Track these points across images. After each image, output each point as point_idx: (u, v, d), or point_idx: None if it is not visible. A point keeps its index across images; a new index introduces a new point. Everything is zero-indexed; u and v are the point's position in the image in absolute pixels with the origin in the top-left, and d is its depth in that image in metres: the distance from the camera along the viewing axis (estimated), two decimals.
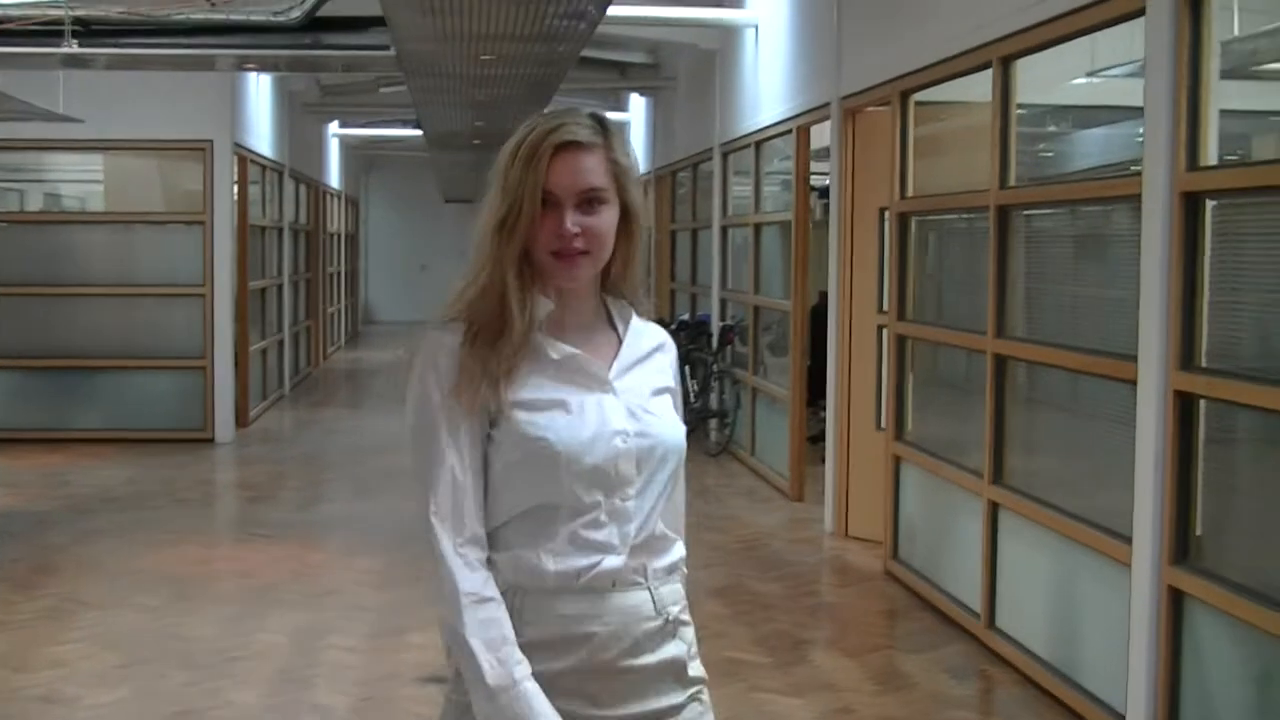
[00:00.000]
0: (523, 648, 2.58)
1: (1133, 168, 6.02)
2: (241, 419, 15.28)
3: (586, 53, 15.31)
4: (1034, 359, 7.04)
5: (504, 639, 2.56)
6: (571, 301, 2.73)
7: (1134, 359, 5.73)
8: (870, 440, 9.73)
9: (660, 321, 3.16)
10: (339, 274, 27.65)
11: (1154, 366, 5.56)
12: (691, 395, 14.54)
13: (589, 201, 2.64)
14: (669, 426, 2.77)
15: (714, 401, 14.34)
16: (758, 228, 12.82)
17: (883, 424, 9.29)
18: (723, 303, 14.33)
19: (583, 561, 2.64)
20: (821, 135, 11.03)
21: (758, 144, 12.67)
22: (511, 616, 2.59)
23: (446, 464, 2.62)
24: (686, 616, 2.79)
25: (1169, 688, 5.55)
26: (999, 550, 7.30)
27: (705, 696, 2.82)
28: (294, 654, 7.20)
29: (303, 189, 21.27)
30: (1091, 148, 7.51)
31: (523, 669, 2.55)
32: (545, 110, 2.83)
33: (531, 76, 11.89)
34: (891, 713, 6.41)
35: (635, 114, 20.81)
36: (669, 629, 2.72)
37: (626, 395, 2.72)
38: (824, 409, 11.00)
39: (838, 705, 6.50)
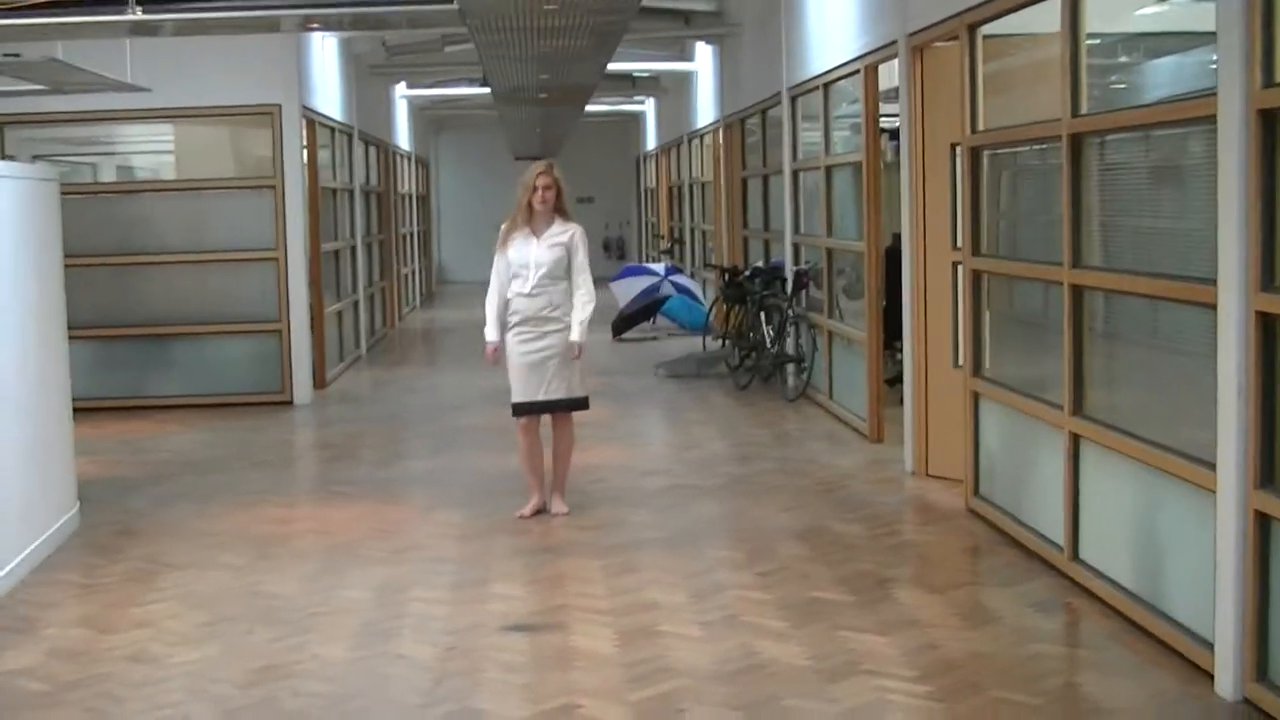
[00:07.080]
0: (509, 319, 9.12)
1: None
2: (319, 381, 15.38)
3: (650, 1, 15.25)
4: (1111, 288, 6.95)
5: (494, 318, 9.14)
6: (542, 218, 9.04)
7: (1213, 282, 5.64)
8: (948, 378, 9.66)
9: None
10: (411, 235, 27.75)
11: (1234, 288, 5.47)
12: (768, 341, 14.51)
13: (546, 188, 8.98)
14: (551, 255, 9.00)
15: (790, 347, 14.28)
16: (829, 171, 12.73)
17: (960, 361, 9.22)
18: (796, 248, 14.25)
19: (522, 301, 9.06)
20: (889, 77, 10.93)
21: (826, 86, 12.57)
22: (508, 311, 9.11)
23: (495, 270, 9.18)
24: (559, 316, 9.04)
25: (1257, 613, 5.49)
26: (1081, 482, 7.23)
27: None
28: (377, 608, 7.23)
29: (373, 151, 21.33)
30: (1164, 77, 7.37)
31: (492, 330, 9.18)
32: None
33: (595, 26, 11.82)
34: (978, 648, 6.37)
35: (702, 63, 20.72)
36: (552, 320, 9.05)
37: (543, 245, 8.98)
38: (900, 350, 10.93)
39: (923, 641, 6.46)
